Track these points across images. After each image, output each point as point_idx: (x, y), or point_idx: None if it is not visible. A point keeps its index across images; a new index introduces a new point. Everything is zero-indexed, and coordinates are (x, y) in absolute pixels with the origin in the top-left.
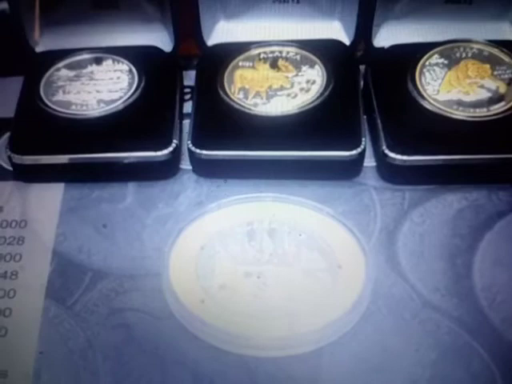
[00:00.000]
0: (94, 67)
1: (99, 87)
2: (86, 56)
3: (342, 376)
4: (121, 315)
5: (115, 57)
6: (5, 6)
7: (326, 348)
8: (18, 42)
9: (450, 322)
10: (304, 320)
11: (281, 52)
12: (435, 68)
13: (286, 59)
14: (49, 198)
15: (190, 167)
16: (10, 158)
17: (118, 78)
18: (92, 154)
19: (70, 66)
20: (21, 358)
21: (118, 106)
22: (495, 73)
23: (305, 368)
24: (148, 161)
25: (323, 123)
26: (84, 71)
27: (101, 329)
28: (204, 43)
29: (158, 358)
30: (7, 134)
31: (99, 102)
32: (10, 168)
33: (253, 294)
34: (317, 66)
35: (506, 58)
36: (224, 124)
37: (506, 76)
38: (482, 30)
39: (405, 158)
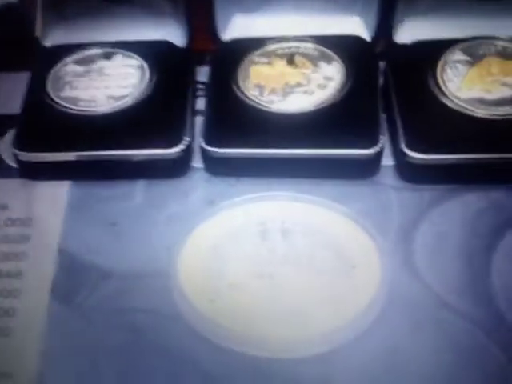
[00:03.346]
0: (103, 62)
1: (108, 83)
2: (95, 51)
3: (357, 377)
4: (128, 315)
5: (126, 52)
6: None
7: (341, 349)
8: (26, 36)
9: (467, 323)
10: (318, 321)
11: (298, 48)
12: (457, 65)
13: (304, 55)
14: (55, 196)
15: (202, 166)
16: (15, 155)
17: (129, 73)
18: (100, 152)
19: (78, 61)
20: (25, 358)
21: (127, 101)
22: None
23: (319, 369)
24: (158, 158)
25: (340, 121)
26: (93, 66)
27: (107, 328)
28: (219, 38)
29: (166, 357)
30: (12, 131)
31: (108, 97)
32: (16, 165)
33: (265, 294)
34: (335, 63)
35: None
36: (238, 121)
37: None
38: (508, 27)
39: (424, 156)
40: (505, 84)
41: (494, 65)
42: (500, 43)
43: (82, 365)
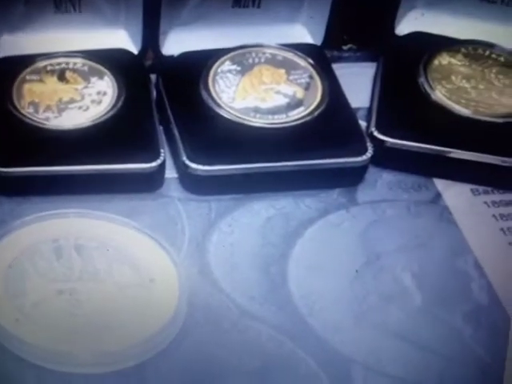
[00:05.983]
0: None
1: None
2: None
3: None
4: None
5: None
6: None
7: (149, 362)
8: None
9: (271, 330)
10: (123, 335)
11: (67, 63)
12: (228, 75)
13: (74, 71)
14: None
15: None
16: None
17: None
18: None
19: None
20: None
21: None
22: (291, 77)
23: (131, 383)
24: None
25: (119, 135)
26: None
27: None
28: None
29: None
30: None
31: None
32: None
33: (68, 311)
34: (106, 77)
35: (302, 62)
36: (16, 139)
37: (303, 80)
38: (274, 34)
39: (206, 168)
40: (278, 92)
41: (266, 73)
42: (268, 51)
43: None
